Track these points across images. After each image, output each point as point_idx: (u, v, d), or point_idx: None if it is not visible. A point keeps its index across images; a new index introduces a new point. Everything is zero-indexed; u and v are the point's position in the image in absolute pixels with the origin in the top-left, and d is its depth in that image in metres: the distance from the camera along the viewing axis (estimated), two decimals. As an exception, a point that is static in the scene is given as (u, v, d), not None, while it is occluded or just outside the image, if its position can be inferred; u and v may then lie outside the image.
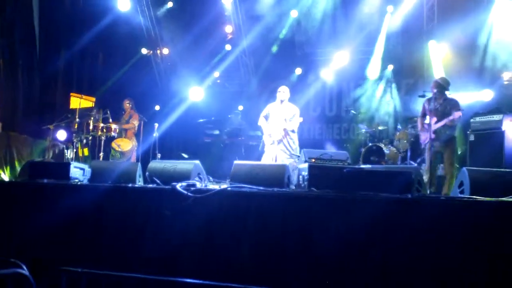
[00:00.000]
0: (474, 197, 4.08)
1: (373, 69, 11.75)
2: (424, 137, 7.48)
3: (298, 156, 7.73)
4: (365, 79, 11.90)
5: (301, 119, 8.03)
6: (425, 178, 6.96)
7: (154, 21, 12.40)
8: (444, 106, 7.24)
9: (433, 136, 7.08)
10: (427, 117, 7.42)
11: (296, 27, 12.39)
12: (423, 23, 11.11)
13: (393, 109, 11.55)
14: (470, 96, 9.52)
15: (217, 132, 11.78)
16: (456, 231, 3.79)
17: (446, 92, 7.39)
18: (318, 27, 12.00)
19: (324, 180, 4.62)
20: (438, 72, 10.49)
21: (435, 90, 7.25)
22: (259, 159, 8.08)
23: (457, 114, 7.08)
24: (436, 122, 7.14)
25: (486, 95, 9.53)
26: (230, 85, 13.16)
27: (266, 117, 8.04)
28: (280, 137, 7.77)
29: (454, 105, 7.22)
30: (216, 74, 12.68)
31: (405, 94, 11.36)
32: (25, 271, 2.62)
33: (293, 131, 7.88)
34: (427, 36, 10.98)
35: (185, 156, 10.87)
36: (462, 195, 4.42)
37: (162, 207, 4.48)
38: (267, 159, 7.81)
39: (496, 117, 8.38)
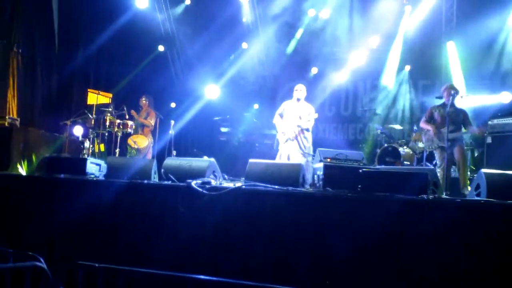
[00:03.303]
0: (491, 200, 4.04)
1: (390, 69, 11.67)
2: (430, 144, 7.45)
3: (312, 155, 7.72)
4: (382, 79, 11.82)
5: (316, 115, 8.01)
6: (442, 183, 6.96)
7: (171, 19, 12.45)
8: (456, 114, 7.25)
9: (448, 143, 7.07)
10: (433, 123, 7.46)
11: (313, 26, 12.34)
12: (442, 24, 11.01)
13: (410, 110, 11.47)
14: (489, 98, 9.42)
15: (232, 130, 11.78)
16: (472, 234, 3.76)
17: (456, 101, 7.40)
18: (335, 26, 11.94)
19: (340, 180, 4.63)
20: (456, 73, 10.40)
21: (450, 97, 7.25)
22: (274, 157, 8.08)
23: (479, 130, 7.31)
24: (452, 131, 7.11)
25: (505, 97, 9.42)
26: (246, 83, 13.16)
27: (281, 115, 8.07)
28: (294, 135, 7.79)
29: (466, 115, 7.31)
30: (239, 72, 12.68)
31: (422, 95, 11.25)
32: (42, 264, 2.66)
33: (307, 129, 7.89)
34: (446, 37, 10.88)
35: (195, 151, 10.91)
36: (478, 198, 4.38)
37: (177, 204, 4.50)
38: (281, 158, 7.82)
39: (515, 120, 8.30)
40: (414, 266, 3.84)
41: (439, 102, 7.61)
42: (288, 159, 7.72)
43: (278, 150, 8.00)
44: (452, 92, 7.26)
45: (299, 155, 7.73)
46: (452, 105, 7.26)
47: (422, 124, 7.71)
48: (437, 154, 7.46)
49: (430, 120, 7.57)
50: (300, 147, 7.81)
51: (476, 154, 9.21)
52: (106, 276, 2.81)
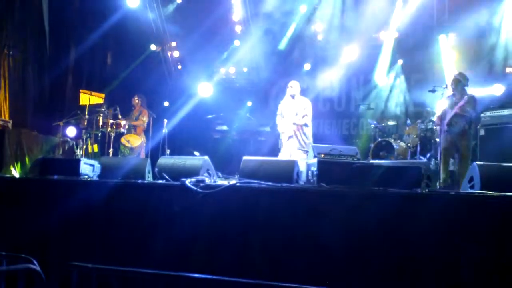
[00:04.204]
0: (484, 192, 4.06)
1: (383, 64, 11.68)
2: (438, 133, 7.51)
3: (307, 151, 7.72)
4: (374, 74, 11.82)
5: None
6: (442, 175, 6.99)
7: (163, 17, 12.40)
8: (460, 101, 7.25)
9: (445, 128, 7.08)
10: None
11: (305, 22, 12.33)
12: (434, 17, 11.02)
13: (403, 104, 11.48)
14: (481, 91, 9.44)
15: (226, 128, 11.76)
16: (465, 227, 3.77)
17: (466, 88, 7.40)
18: (327, 21, 11.94)
19: (334, 176, 4.62)
20: (448, 66, 10.42)
21: (453, 86, 7.28)
22: (268, 154, 8.08)
23: (465, 99, 7.14)
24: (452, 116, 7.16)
25: (497, 90, 9.46)
26: (239, 81, 13.14)
27: (282, 115, 8.05)
28: (291, 133, 7.76)
29: (470, 98, 7.23)
30: (232, 69, 12.66)
31: (415, 88, 11.26)
32: (36, 266, 2.65)
33: (306, 125, 7.85)
34: (438, 30, 10.89)
35: (197, 154, 10.88)
36: (472, 190, 4.40)
37: (172, 203, 4.49)
38: (282, 156, 7.80)
39: (507, 112, 8.32)
40: (409, 260, 3.84)
41: (440, 89, 7.59)
42: (290, 157, 7.67)
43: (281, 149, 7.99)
44: (456, 81, 7.32)
45: (299, 153, 7.69)
46: (460, 92, 7.29)
47: (436, 120, 7.77)
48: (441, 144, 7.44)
49: (441, 113, 7.55)
50: (300, 144, 7.79)
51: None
52: (100, 277, 2.80)
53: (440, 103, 7.65)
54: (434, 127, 8.61)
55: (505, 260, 3.62)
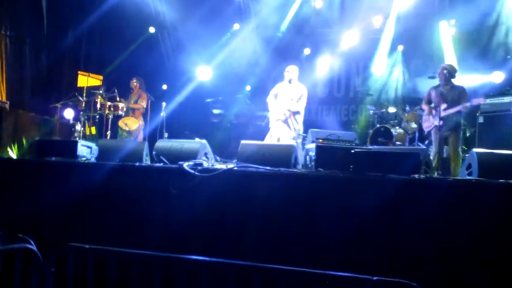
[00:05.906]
0: (482, 179, 4.06)
1: (383, 50, 11.62)
2: (428, 124, 7.48)
3: (304, 136, 7.74)
4: (374, 60, 11.77)
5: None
6: (434, 163, 6.99)
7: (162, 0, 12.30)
8: (453, 93, 7.25)
9: (440, 122, 7.09)
10: (432, 104, 7.46)
11: (305, 7, 12.24)
12: (435, 3, 10.95)
13: (402, 90, 11.46)
14: (480, 78, 9.42)
15: (224, 112, 11.74)
16: (463, 213, 3.78)
17: (453, 80, 7.38)
18: (328, 6, 11.85)
19: (332, 161, 4.62)
20: (448, 53, 10.37)
21: (446, 75, 7.24)
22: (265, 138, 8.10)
23: (476, 101, 7.19)
24: (446, 109, 7.13)
25: (497, 77, 9.43)
26: (238, 65, 13.06)
27: (276, 96, 8.08)
28: (284, 118, 7.80)
29: (463, 92, 7.23)
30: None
31: (414, 75, 11.23)
32: (32, 246, 2.65)
33: (298, 112, 7.89)
34: (438, 17, 10.82)
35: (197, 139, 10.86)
36: (470, 177, 4.40)
37: (169, 186, 4.49)
38: (271, 138, 7.85)
39: (506, 99, 8.33)
40: (406, 246, 3.85)
41: (436, 81, 7.61)
42: (278, 141, 7.74)
43: (269, 128, 8.03)
44: (445, 72, 7.26)
45: (289, 137, 7.76)
46: (448, 83, 7.27)
47: (423, 106, 7.77)
48: (433, 135, 7.47)
49: (429, 101, 7.58)
50: (290, 129, 7.83)
51: (468, 134, 9.25)
52: (96, 258, 2.80)
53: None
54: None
55: (502, 245, 3.63)
